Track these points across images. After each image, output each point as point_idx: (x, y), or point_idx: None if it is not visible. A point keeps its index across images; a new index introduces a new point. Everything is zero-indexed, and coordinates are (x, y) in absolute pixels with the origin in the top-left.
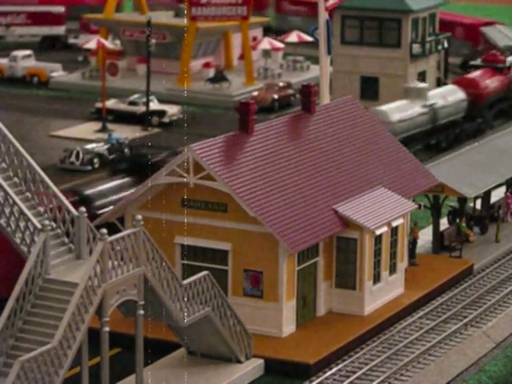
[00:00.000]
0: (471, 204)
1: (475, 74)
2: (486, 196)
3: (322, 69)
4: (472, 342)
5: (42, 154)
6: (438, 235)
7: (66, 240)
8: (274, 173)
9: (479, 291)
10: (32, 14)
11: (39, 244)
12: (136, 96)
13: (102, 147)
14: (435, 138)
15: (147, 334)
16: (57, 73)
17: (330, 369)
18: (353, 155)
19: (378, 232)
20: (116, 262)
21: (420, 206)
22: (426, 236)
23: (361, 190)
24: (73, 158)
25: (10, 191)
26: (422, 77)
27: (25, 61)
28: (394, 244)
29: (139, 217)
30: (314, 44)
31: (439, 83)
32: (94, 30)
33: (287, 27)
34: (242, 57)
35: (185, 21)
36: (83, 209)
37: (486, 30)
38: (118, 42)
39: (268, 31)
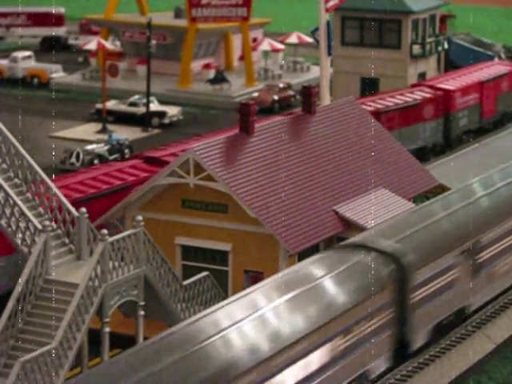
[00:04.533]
0: None
1: None
2: None
3: (322, 70)
4: (472, 343)
5: (42, 154)
6: None
7: (67, 241)
8: (274, 174)
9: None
10: (32, 15)
11: (40, 245)
12: (136, 97)
13: (102, 148)
14: None
15: (147, 335)
16: (57, 74)
17: None
18: (353, 156)
19: None
20: (116, 263)
21: None
22: None
23: (361, 191)
24: (73, 159)
25: (11, 192)
26: (422, 78)
27: (25, 62)
28: None
29: (140, 217)
30: (314, 45)
31: None
32: (94, 31)
33: None
34: (242, 58)
35: (185, 22)
36: (83, 209)
37: None
38: (118, 43)
39: None
